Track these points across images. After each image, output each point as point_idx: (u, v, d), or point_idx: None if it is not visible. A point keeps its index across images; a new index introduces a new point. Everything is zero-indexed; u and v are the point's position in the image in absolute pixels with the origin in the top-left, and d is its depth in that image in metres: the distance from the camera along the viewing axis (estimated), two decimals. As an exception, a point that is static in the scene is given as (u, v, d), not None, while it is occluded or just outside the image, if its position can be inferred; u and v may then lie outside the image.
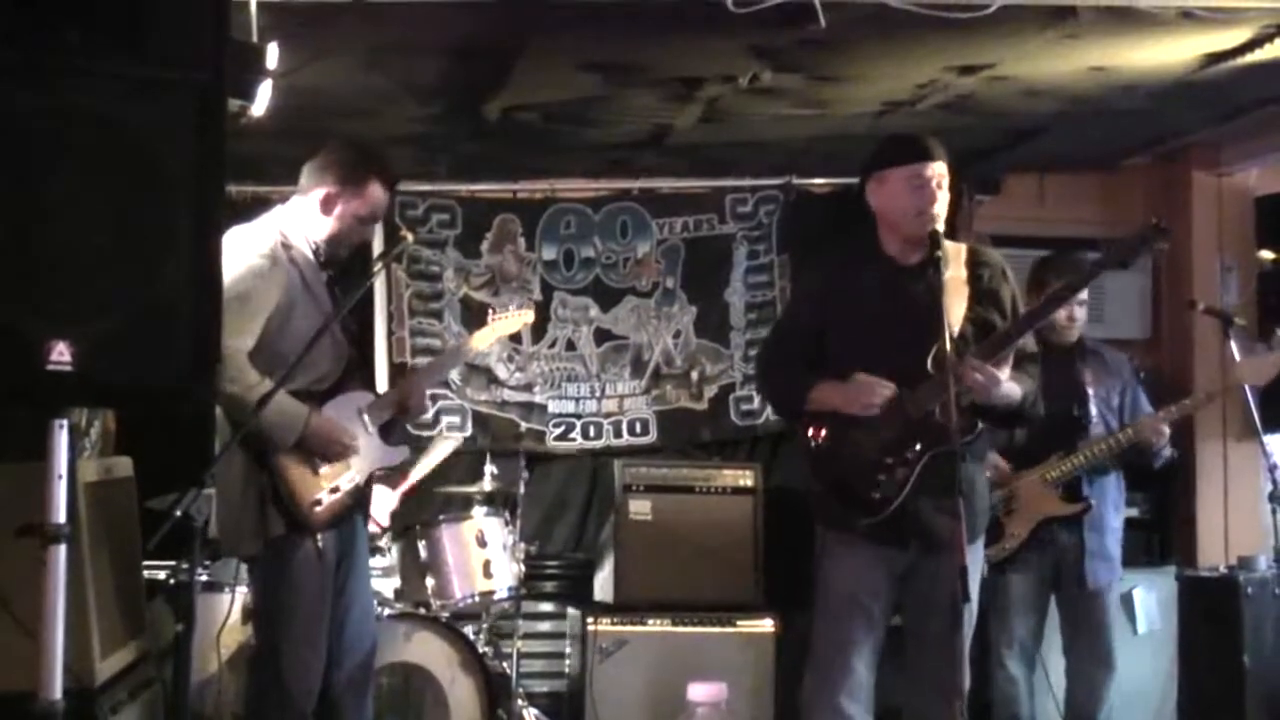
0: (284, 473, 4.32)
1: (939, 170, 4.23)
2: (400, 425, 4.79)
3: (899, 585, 4.34)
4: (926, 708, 4.21)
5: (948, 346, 3.91)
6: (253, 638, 5.52)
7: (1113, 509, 5.69)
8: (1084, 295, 5.59)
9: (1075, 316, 5.61)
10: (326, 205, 4.49)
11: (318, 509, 4.37)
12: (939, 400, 4.05)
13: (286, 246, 4.43)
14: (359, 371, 4.65)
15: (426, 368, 5.11)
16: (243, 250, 4.32)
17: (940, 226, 4.22)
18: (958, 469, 3.81)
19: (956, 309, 4.21)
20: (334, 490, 4.43)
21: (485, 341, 5.45)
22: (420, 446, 6.28)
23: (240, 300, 4.17)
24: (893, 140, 4.43)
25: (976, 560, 4.39)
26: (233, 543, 4.45)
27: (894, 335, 4.23)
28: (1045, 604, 5.66)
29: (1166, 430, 5.52)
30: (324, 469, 4.41)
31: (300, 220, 4.52)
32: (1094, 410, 5.58)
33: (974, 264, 4.34)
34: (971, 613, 3.96)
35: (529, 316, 5.53)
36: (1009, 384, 4.20)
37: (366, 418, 4.56)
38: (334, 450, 4.40)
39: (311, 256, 4.51)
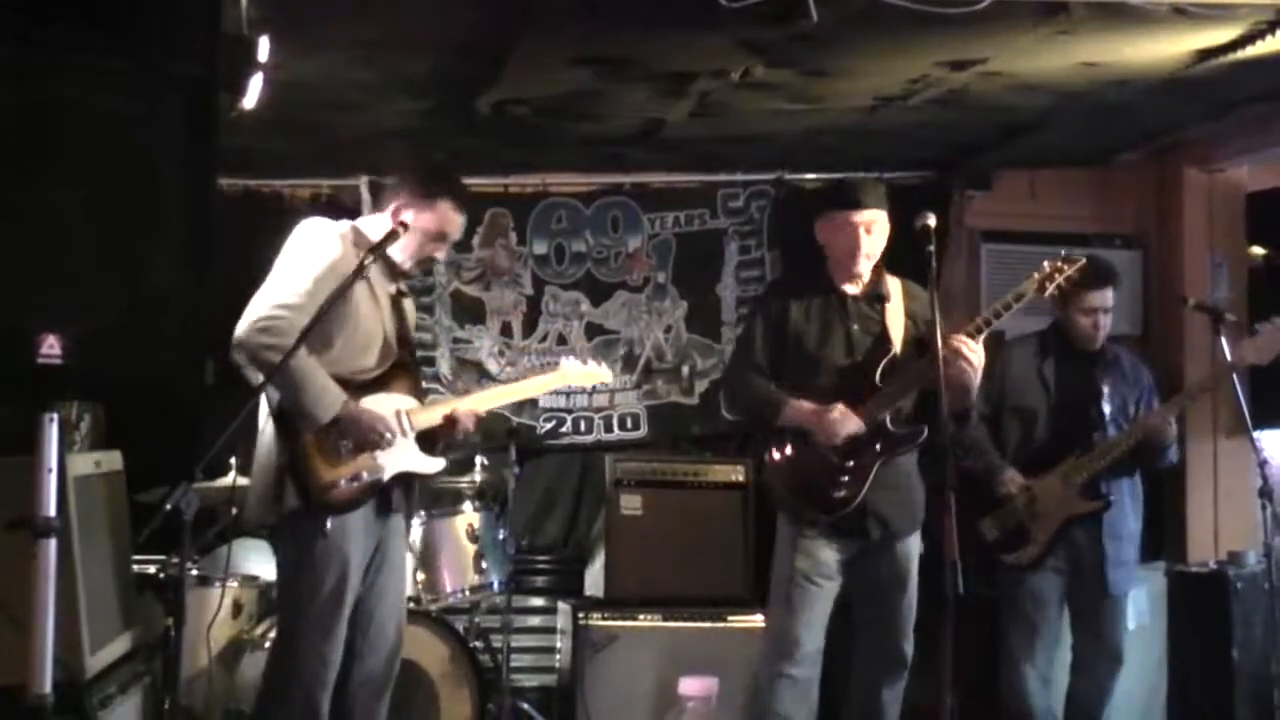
0: (308, 449, 4.35)
1: (870, 217, 4.86)
2: (447, 439, 4.79)
3: (848, 569, 4.89)
4: (874, 674, 4.94)
5: (938, 350, 4.28)
6: (243, 632, 5.55)
7: (1131, 514, 5.70)
8: (1109, 303, 5.60)
9: (1100, 325, 5.62)
10: (396, 216, 4.57)
11: (332, 491, 4.38)
12: (890, 409, 4.77)
13: (357, 243, 4.47)
14: (406, 381, 4.66)
15: (486, 394, 5.15)
16: (316, 231, 4.45)
17: (868, 265, 4.92)
18: (949, 465, 4.12)
19: (897, 333, 4.89)
20: (353, 479, 4.43)
21: (545, 388, 5.52)
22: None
23: (305, 274, 4.31)
24: (840, 186, 5.18)
25: (916, 548, 4.96)
26: (251, 510, 4.50)
27: (842, 356, 4.90)
28: (1063, 604, 5.66)
29: (1166, 423, 5.51)
30: (348, 457, 4.43)
31: (376, 230, 4.56)
32: (1108, 410, 5.58)
33: (909, 297, 4.97)
34: (912, 598, 4.88)
35: (606, 376, 5.36)
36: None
37: (406, 422, 4.58)
38: (369, 439, 4.43)
39: (384, 261, 4.57)
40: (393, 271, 4.64)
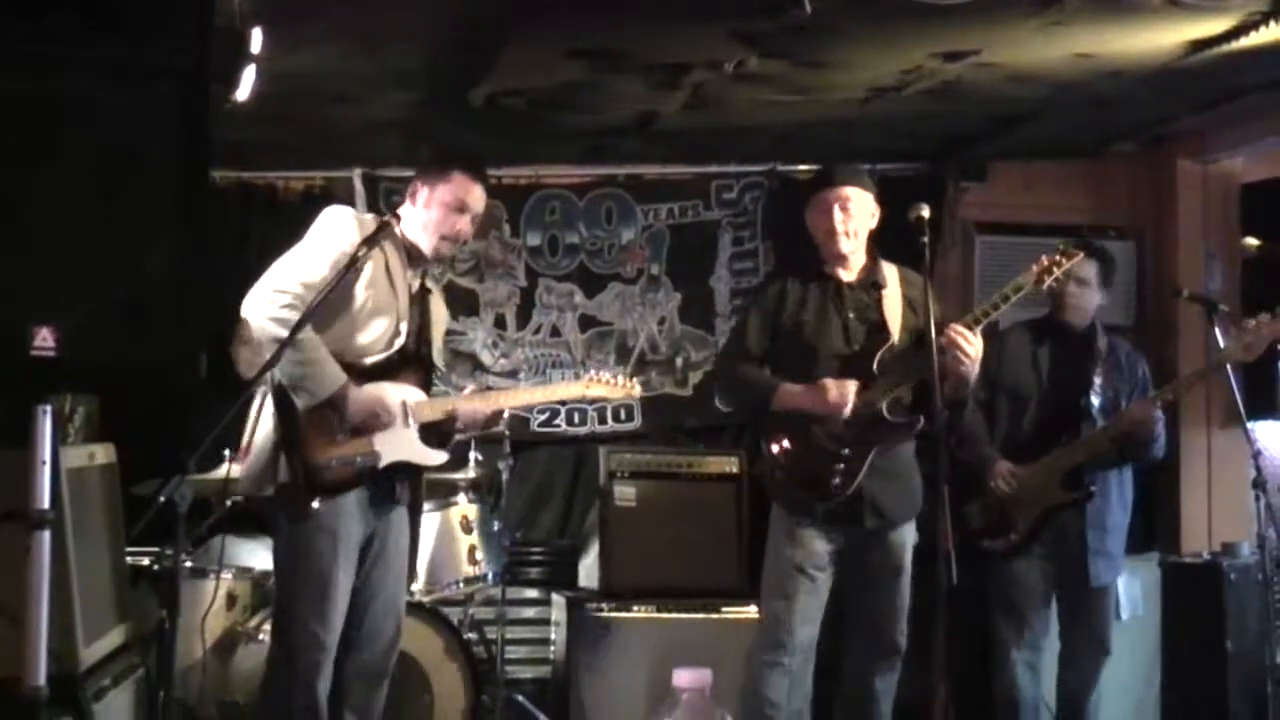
0: (303, 427, 4.37)
1: (844, 194, 4.86)
2: (453, 435, 4.78)
3: (841, 559, 4.89)
4: (866, 663, 4.96)
5: (933, 338, 4.31)
6: (237, 624, 5.56)
7: (1117, 506, 5.69)
8: (1089, 275, 5.57)
9: (1071, 294, 5.60)
10: (414, 196, 4.63)
11: (323, 472, 4.39)
12: (889, 398, 4.75)
13: (383, 231, 4.51)
14: (416, 373, 4.66)
15: (498, 394, 5.15)
16: (338, 217, 4.49)
17: (851, 243, 4.88)
18: (942, 455, 4.14)
19: (895, 321, 4.87)
20: (346, 462, 4.43)
21: (568, 394, 5.54)
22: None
23: (319, 258, 4.35)
24: (817, 171, 5.15)
25: (911, 537, 4.96)
26: (245, 481, 4.52)
27: (840, 344, 4.88)
28: (1051, 594, 5.66)
29: (1149, 416, 5.49)
30: (343, 439, 4.43)
31: (405, 221, 4.62)
32: (1096, 402, 5.57)
33: (906, 284, 4.94)
34: (905, 588, 4.89)
35: (635, 392, 5.20)
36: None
37: (410, 413, 4.58)
38: (366, 421, 4.45)
39: (404, 251, 4.60)
40: (414, 259, 4.64)
